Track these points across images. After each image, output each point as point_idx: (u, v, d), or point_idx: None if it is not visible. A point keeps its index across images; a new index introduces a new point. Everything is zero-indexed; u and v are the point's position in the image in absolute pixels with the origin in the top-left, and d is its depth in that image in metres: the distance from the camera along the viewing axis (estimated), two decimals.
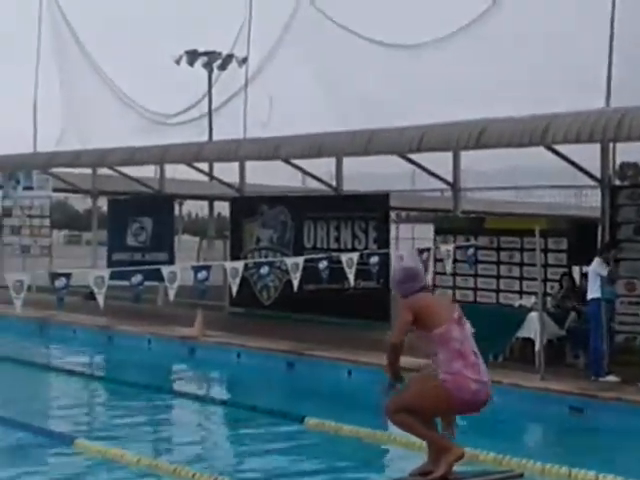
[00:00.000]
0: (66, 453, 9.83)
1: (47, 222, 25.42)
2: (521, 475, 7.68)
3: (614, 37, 16.89)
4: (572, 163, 15.49)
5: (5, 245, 26.50)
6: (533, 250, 14.01)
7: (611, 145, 15.27)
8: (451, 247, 15.37)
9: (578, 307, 14.20)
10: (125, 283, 11.54)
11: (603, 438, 11.16)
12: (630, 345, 14.12)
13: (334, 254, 14.47)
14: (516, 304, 15.51)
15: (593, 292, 13.10)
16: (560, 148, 15.08)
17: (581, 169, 15.65)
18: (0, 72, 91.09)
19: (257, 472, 9.52)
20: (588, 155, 15.68)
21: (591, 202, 18.70)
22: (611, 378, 12.73)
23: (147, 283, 11.79)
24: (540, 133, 13.82)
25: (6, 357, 17.39)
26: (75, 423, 11.89)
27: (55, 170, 25.13)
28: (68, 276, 10.45)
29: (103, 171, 24.85)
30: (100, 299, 10.31)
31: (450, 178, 18.05)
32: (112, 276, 11.06)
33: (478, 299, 16.57)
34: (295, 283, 12.45)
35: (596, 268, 13.12)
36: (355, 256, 13.14)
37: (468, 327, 6.12)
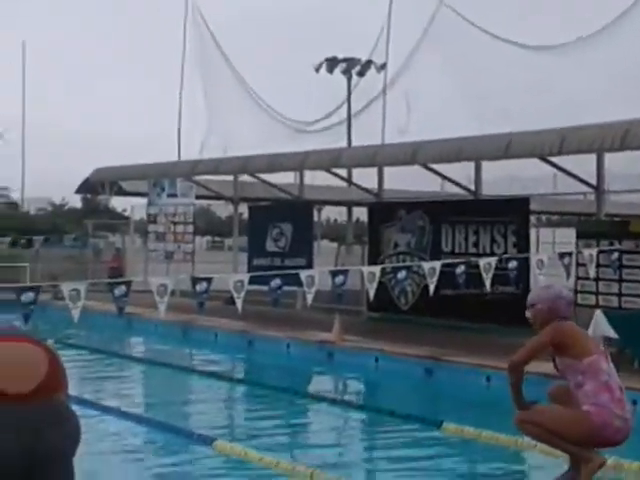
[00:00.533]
0: (206, 453, 9.99)
1: (190, 228, 25.88)
2: None
3: None
4: None
5: (150, 251, 27.17)
6: None
7: None
8: (594, 251, 14.97)
9: None
10: (264, 288, 11.67)
11: None
12: None
13: (472, 259, 14.26)
14: None
15: None
16: None
17: None
18: (145, 84, 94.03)
19: (394, 478, 9.50)
20: None
21: None
22: None
23: (286, 288, 11.87)
24: None
25: (151, 360, 17.87)
26: (215, 424, 12.08)
27: (198, 178, 25.64)
28: (209, 281, 10.61)
29: (244, 178, 25.19)
30: (239, 303, 10.43)
31: (593, 181, 17.60)
32: (251, 281, 11.19)
33: (622, 304, 16.07)
34: (432, 288, 12.33)
35: None
36: (493, 261, 12.93)
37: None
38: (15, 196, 51.82)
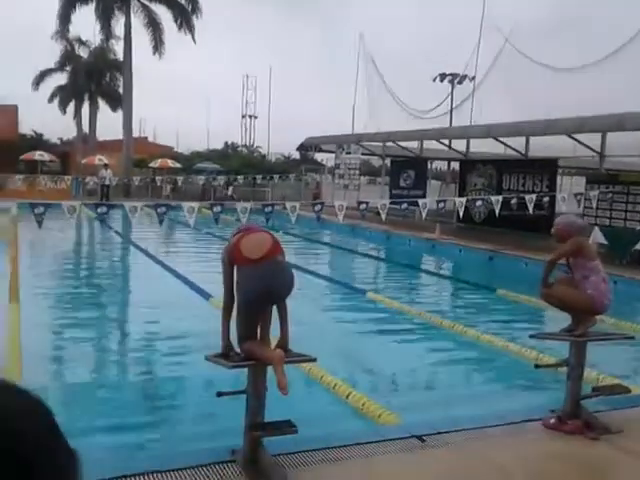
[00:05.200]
0: (361, 299, 10.04)
1: (357, 172, 25.83)
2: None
3: None
4: None
5: (335, 184, 27.25)
6: None
7: None
8: (597, 192, 13.84)
9: None
10: (398, 207, 11.49)
11: None
12: None
13: (521, 195, 13.48)
14: None
15: None
16: None
17: None
18: (340, 91, 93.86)
19: (467, 314, 9.02)
20: None
21: None
22: None
23: (410, 207, 11.63)
24: None
25: (333, 244, 18.07)
26: (367, 283, 12.11)
27: (363, 143, 25.42)
28: (367, 202, 10.49)
29: (389, 144, 24.72)
30: (383, 215, 10.27)
31: (598, 149, 16.08)
32: (391, 203, 11.01)
33: (612, 224, 14.81)
34: (497, 210, 11.78)
35: None
36: (534, 196, 12.19)
37: None
38: (264, 151, 52.92)
